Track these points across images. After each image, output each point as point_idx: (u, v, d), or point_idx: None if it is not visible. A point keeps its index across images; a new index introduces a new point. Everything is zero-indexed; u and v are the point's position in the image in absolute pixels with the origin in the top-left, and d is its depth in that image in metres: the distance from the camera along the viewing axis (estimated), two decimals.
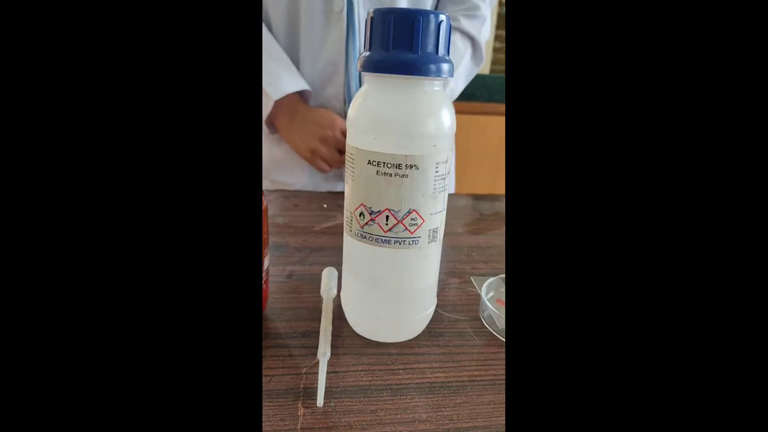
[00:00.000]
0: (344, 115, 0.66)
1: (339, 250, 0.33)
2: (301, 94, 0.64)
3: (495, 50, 1.76)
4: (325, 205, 0.59)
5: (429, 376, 0.29)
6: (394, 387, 0.28)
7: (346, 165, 0.29)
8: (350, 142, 0.28)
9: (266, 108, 0.61)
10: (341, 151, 0.64)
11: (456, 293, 0.39)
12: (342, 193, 0.63)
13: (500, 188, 1.59)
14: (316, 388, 0.26)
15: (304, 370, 0.29)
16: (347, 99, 0.65)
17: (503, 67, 1.72)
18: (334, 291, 0.35)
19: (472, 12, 0.67)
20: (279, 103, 0.61)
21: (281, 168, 0.70)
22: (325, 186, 0.69)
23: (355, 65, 0.64)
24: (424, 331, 0.33)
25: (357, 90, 0.65)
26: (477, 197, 0.66)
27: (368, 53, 0.27)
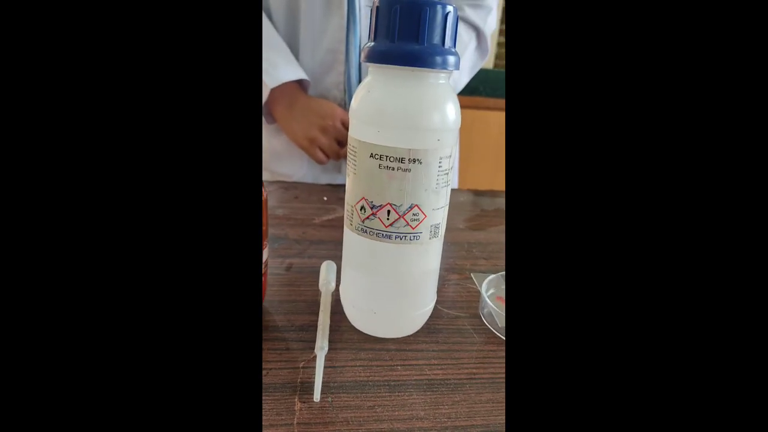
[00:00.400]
0: (344, 104, 0.65)
1: (339, 243, 0.33)
2: (300, 84, 0.63)
3: (499, 45, 1.74)
4: (325, 198, 0.58)
5: (427, 372, 0.29)
6: (392, 383, 0.27)
7: (348, 158, 0.29)
8: (353, 134, 0.28)
9: (263, 97, 0.61)
10: (340, 142, 0.64)
11: (456, 289, 0.39)
12: (342, 186, 0.63)
13: (501, 184, 1.58)
14: (314, 382, 0.26)
15: (301, 365, 0.28)
16: (347, 88, 0.65)
17: None
18: (333, 285, 0.34)
19: (478, 2, 0.66)
20: (276, 92, 0.61)
21: (280, 158, 0.69)
22: (324, 178, 0.69)
23: (356, 53, 0.63)
24: (422, 328, 0.33)
25: (357, 79, 0.64)
26: (478, 193, 0.66)
27: (373, 43, 0.26)
